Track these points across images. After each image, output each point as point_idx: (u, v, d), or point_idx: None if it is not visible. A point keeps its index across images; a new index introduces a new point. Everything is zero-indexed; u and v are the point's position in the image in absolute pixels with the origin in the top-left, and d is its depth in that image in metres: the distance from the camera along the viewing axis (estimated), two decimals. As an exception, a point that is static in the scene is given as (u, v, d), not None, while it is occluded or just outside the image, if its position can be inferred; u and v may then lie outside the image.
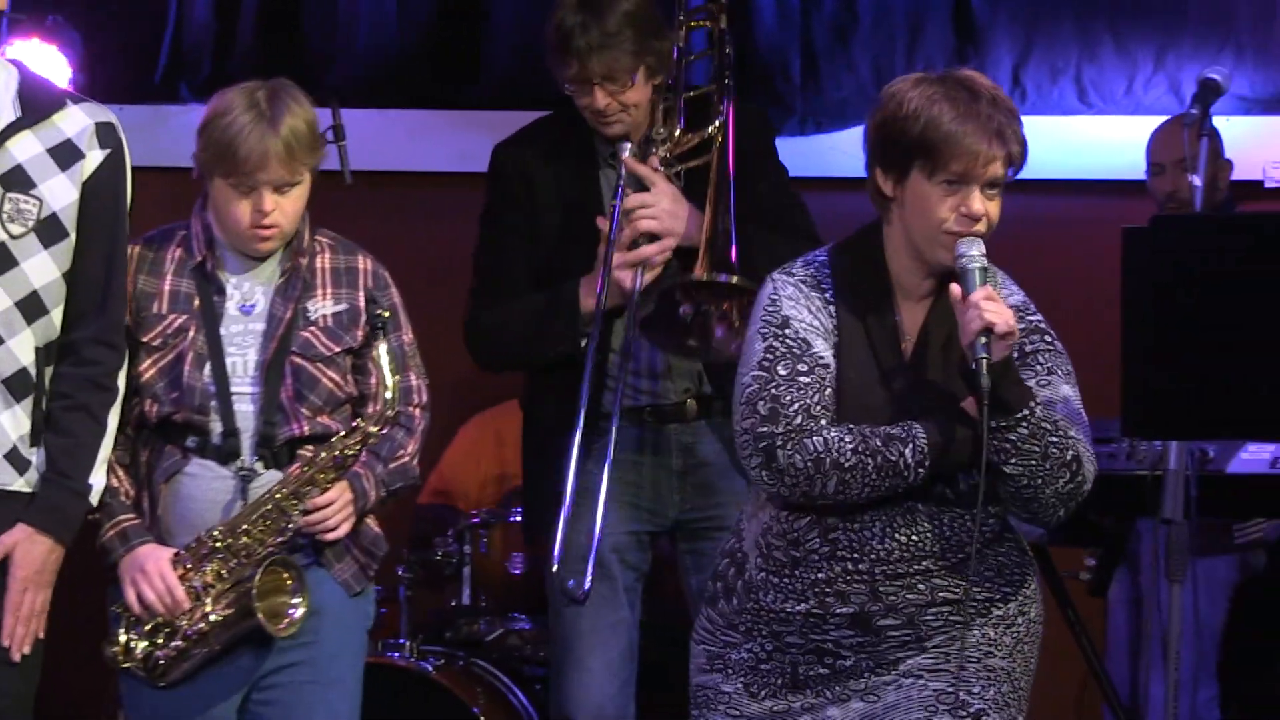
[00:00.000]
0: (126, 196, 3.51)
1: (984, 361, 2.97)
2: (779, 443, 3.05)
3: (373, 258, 3.80)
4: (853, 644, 3.14)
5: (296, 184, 3.61)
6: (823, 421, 3.06)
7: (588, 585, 3.81)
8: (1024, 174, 5.63)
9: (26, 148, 3.41)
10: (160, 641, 3.58)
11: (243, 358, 3.63)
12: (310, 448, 3.63)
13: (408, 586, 5.04)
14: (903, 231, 3.13)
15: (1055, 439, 3.04)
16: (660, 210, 3.89)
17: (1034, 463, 3.03)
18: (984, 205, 3.08)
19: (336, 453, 3.60)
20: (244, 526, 3.57)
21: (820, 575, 3.12)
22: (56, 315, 3.44)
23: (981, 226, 3.08)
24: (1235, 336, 3.53)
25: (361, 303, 3.72)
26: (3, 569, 3.40)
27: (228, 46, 5.79)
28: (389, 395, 3.61)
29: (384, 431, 3.65)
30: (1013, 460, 3.03)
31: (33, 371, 3.42)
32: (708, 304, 3.79)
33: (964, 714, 3.13)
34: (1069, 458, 3.06)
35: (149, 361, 3.60)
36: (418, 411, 3.77)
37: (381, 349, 3.62)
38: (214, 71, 5.72)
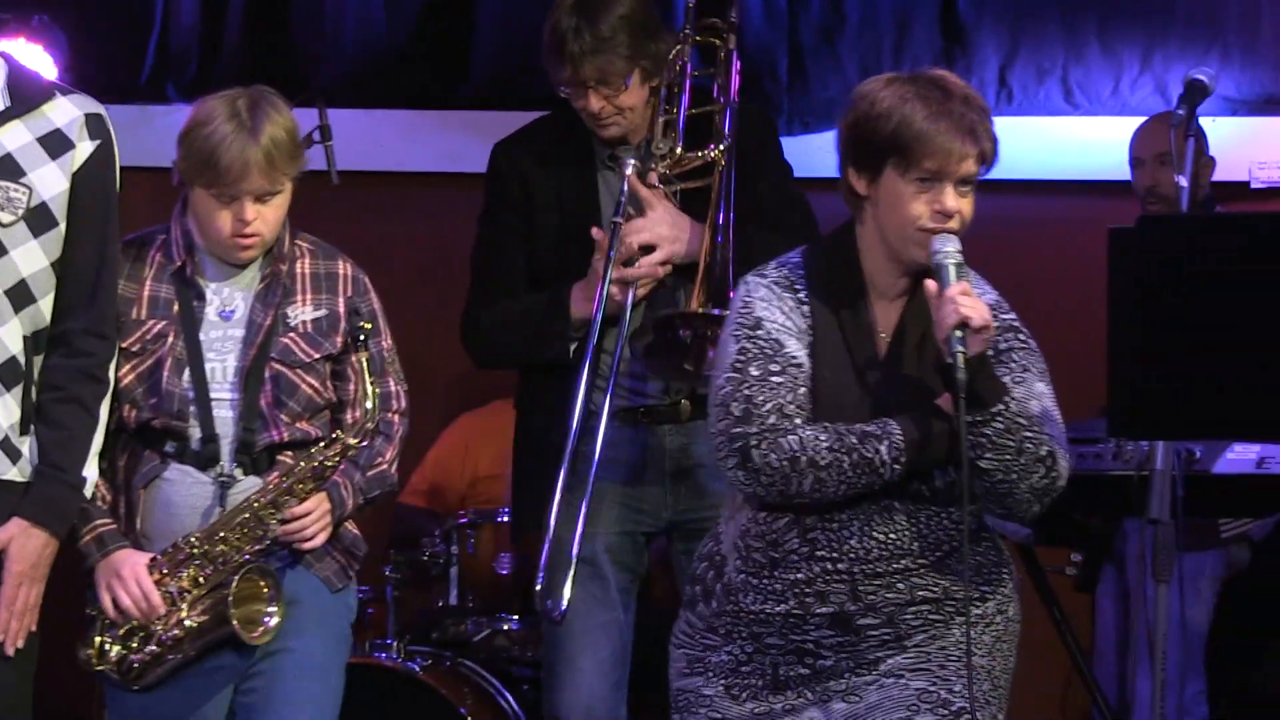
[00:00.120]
0: (116, 188, 3.51)
1: (960, 355, 2.99)
2: (754, 442, 3.06)
3: (353, 263, 3.79)
4: (833, 644, 3.14)
5: (277, 193, 3.61)
6: (797, 420, 3.07)
7: (564, 606, 3.81)
8: (1011, 174, 5.65)
9: (16, 136, 3.42)
10: (135, 646, 3.59)
11: (222, 363, 3.63)
12: (289, 454, 3.64)
13: (395, 587, 5.04)
14: (876, 230, 3.15)
15: (1030, 434, 3.06)
16: (659, 235, 3.87)
17: (1009, 458, 3.05)
18: (957, 202, 3.10)
19: (315, 463, 3.61)
20: (221, 533, 3.58)
21: (800, 575, 3.13)
22: (44, 305, 3.44)
23: (955, 223, 3.10)
24: (1222, 337, 3.53)
25: (341, 308, 3.72)
26: None
27: (214, 47, 5.78)
28: (369, 406, 3.61)
29: (364, 444, 3.65)
30: (988, 455, 3.05)
31: (21, 360, 3.42)
32: (703, 330, 3.79)
33: (946, 712, 3.14)
34: (1043, 453, 3.08)
35: (128, 367, 3.60)
36: (396, 418, 3.77)
37: (363, 361, 3.62)
38: (201, 72, 5.72)
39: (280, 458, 3.64)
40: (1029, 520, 3.16)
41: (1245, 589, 4.85)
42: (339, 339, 3.70)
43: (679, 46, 4.00)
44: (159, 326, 3.63)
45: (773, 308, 3.14)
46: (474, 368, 5.70)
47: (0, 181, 3.39)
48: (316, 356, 3.67)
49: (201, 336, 3.64)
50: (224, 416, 3.62)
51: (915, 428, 3.05)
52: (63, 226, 3.44)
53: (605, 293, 3.85)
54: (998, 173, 5.72)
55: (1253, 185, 5.47)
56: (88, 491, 3.49)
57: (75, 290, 3.46)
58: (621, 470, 3.98)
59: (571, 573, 3.81)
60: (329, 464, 3.62)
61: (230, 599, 3.55)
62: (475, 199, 5.85)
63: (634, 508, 4.01)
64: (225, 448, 3.61)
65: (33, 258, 3.42)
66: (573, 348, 3.93)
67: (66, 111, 3.46)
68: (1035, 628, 5.28)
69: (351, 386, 3.69)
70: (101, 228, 3.48)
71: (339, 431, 3.65)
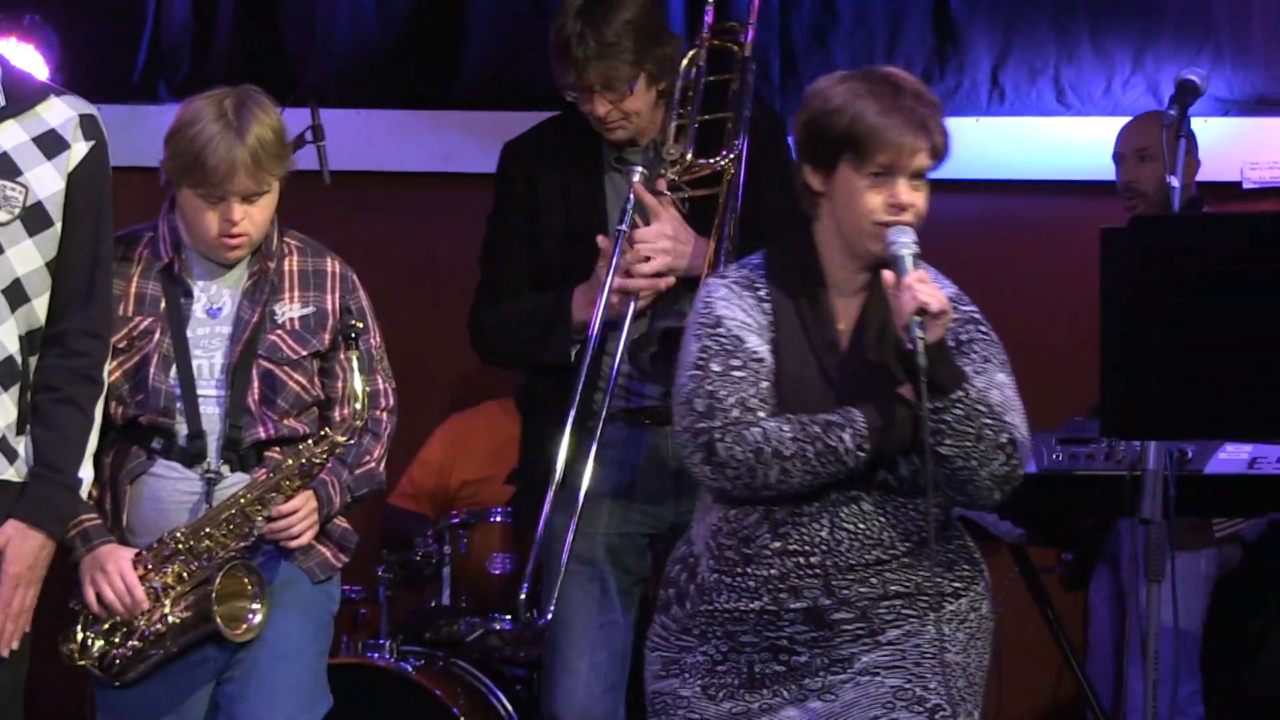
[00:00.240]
0: (110, 189, 3.52)
1: (920, 341, 3.03)
2: (718, 436, 3.10)
3: (341, 260, 3.79)
4: (807, 639, 3.16)
5: (265, 193, 3.61)
6: (760, 413, 3.11)
7: (549, 617, 3.82)
8: (1003, 174, 5.69)
9: (11, 136, 3.42)
10: (117, 641, 3.60)
11: (209, 360, 3.64)
12: (277, 450, 3.64)
13: (388, 587, 5.04)
14: (833, 226, 3.20)
15: (990, 421, 3.10)
16: (660, 247, 3.86)
17: (969, 444, 3.09)
18: (911, 195, 3.15)
19: (303, 460, 3.61)
20: (207, 529, 3.58)
21: (773, 572, 3.15)
22: (39, 305, 3.45)
23: (909, 216, 3.15)
24: (1214, 337, 3.54)
25: (329, 306, 3.72)
26: None
27: (206, 46, 5.78)
28: (358, 405, 3.61)
29: (351, 442, 3.65)
30: (948, 441, 3.08)
31: (18, 360, 3.43)
32: None
33: (921, 709, 3.16)
34: (1004, 440, 3.11)
35: (114, 364, 3.60)
36: (385, 416, 3.78)
37: (352, 360, 3.62)
38: (192, 71, 5.71)
39: (268, 455, 3.64)
40: (990, 508, 3.19)
41: (1237, 589, 4.85)
42: (327, 336, 3.70)
43: (696, 49, 3.99)
44: (146, 323, 3.63)
45: (732, 306, 3.19)
46: (465, 368, 5.73)
47: None
48: (304, 354, 3.68)
49: (189, 333, 3.64)
50: (211, 413, 3.62)
51: (878, 415, 3.09)
52: (58, 226, 3.44)
53: (606, 301, 3.85)
54: (990, 173, 5.78)
55: (1244, 186, 5.47)
56: (83, 492, 3.50)
57: (70, 290, 3.46)
58: (624, 472, 3.98)
59: (559, 580, 3.82)
60: (316, 461, 3.62)
61: (214, 595, 3.56)
62: (468, 199, 5.86)
63: (636, 509, 4.01)
64: (212, 444, 3.62)
65: (28, 257, 3.42)
66: (574, 350, 3.92)
67: (61, 112, 3.46)
68: (1028, 628, 5.31)
69: (340, 384, 3.69)
70: (96, 228, 3.48)
71: (327, 429, 3.65)
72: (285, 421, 3.65)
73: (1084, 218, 5.04)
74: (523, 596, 3.83)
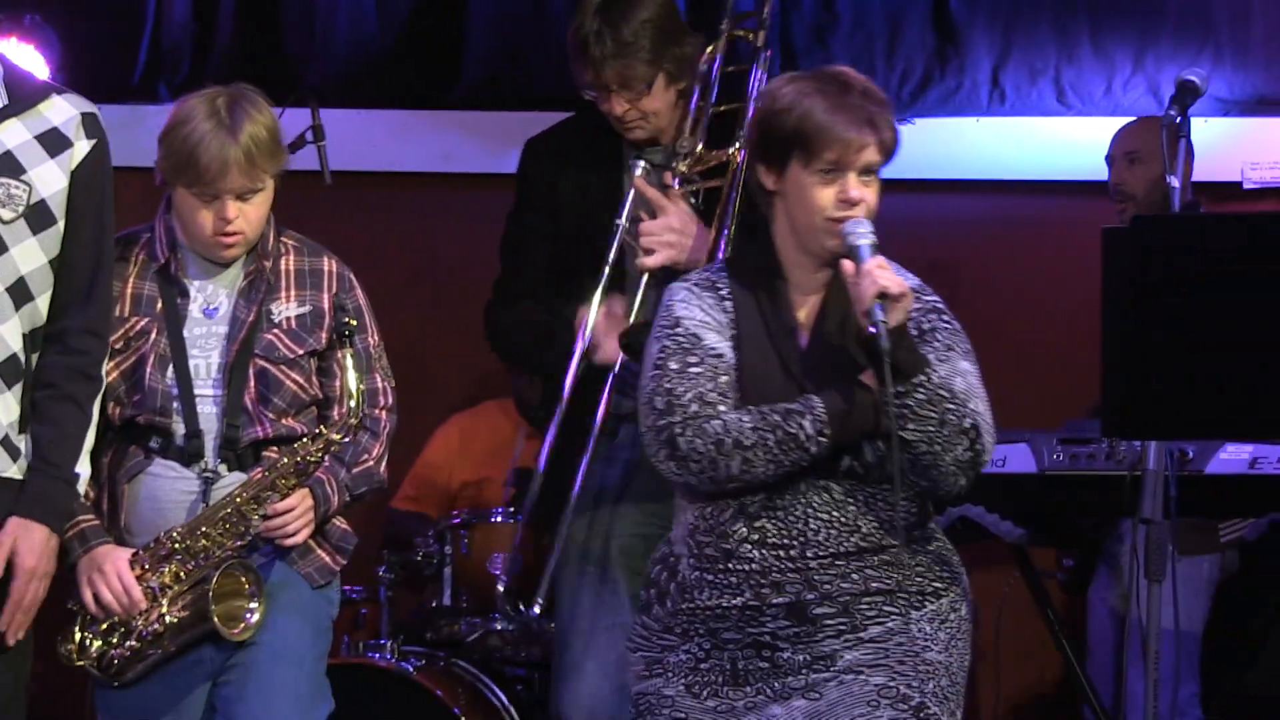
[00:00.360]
0: (112, 187, 3.52)
1: (882, 325, 3.06)
2: (678, 431, 3.14)
3: (338, 259, 3.79)
4: (790, 635, 3.18)
5: (259, 190, 3.61)
6: (720, 407, 3.15)
7: (535, 610, 3.84)
8: (1003, 175, 5.69)
9: (15, 134, 3.43)
10: (115, 641, 3.60)
11: (205, 360, 3.64)
12: (275, 450, 3.64)
13: (388, 587, 5.04)
14: (788, 224, 3.24)
15: (952, 406, 3.13)
16: (664, 241, 3.85)
17: (932, 429, 3.11)
18: (861, 191, 3.19)
19: (299, 458, 3.61)
20: (203, 529, 3.58)
21: (754, 567, 3.17)
22: (41, 303, 3.45)
23: (861, 211, 3.18)
24: (1215, 337, 3.54)
25: (325, 304, 3.72)
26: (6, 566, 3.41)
27: (206, 46, 5.78)
28: (353, 404, 3.60)
29: (347, 439, 3.65)
30: (911, 426, 3.11)
31: (21, 358, 3.44)
32: None
33: (905, 707, 3.18)
34: (967, 425, 3.14)
35: (111, 364, 3.60)
36: (383, 414, 3.77)
37: (347, 358, 3.61)
38: (193, 72, 5.71)
39: (265, 454, 3.64)
40: (955, 494, 3.20)
41: (1237, 590, 4.85)
42: (323, 335, 3.70)
43: (717, 40, 3.97)
44: (142, 323, 3.64)
45: (691, 306, 3.23)
46: (465, 368, 5.73)
47: (1, 179, 3.40)
48: (301, 352, 3.68)
49: (185, 333, 3.65)
50: (208, 412, 3.62)
51: (837, 401, 3.13)
52: (61, 224, 3.45)
53: (601, 296, 3.85)
54: (991, 173, 5.78)
55: (1245, 186, 5.47)
56: (81, 488, 3.51)
57: (72, 288, 3.47)
58: (637, 473, 3.98)
59: (546, 578, 3.85)
60: (312, 459, 3.62)
61: (211, 595, 3.56)
62: (468, 199, 5.88)
63: (649, 511, 4.01)
64: (209, 443, 3.62)
65: (31, 255, 3.43)
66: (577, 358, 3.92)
67: (63, 110, 3.47)
68: (1028, 628, 5.31)
69: (337, 384, 3.69)
70: (98, 227, 3.49)
71: (322, 427, 3.65)
72: (283, 421, 3.65)
73: (1084, 218, 5.05)
74: (500, 588, 3.85)
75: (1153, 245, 3.60)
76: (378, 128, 5.77)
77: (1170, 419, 3.66)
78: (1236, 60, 5.43)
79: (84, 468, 3.49)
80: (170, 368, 3.62)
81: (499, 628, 5.01)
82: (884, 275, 3.09)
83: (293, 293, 3.71)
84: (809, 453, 3.12)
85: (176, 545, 3.59)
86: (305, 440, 3.63)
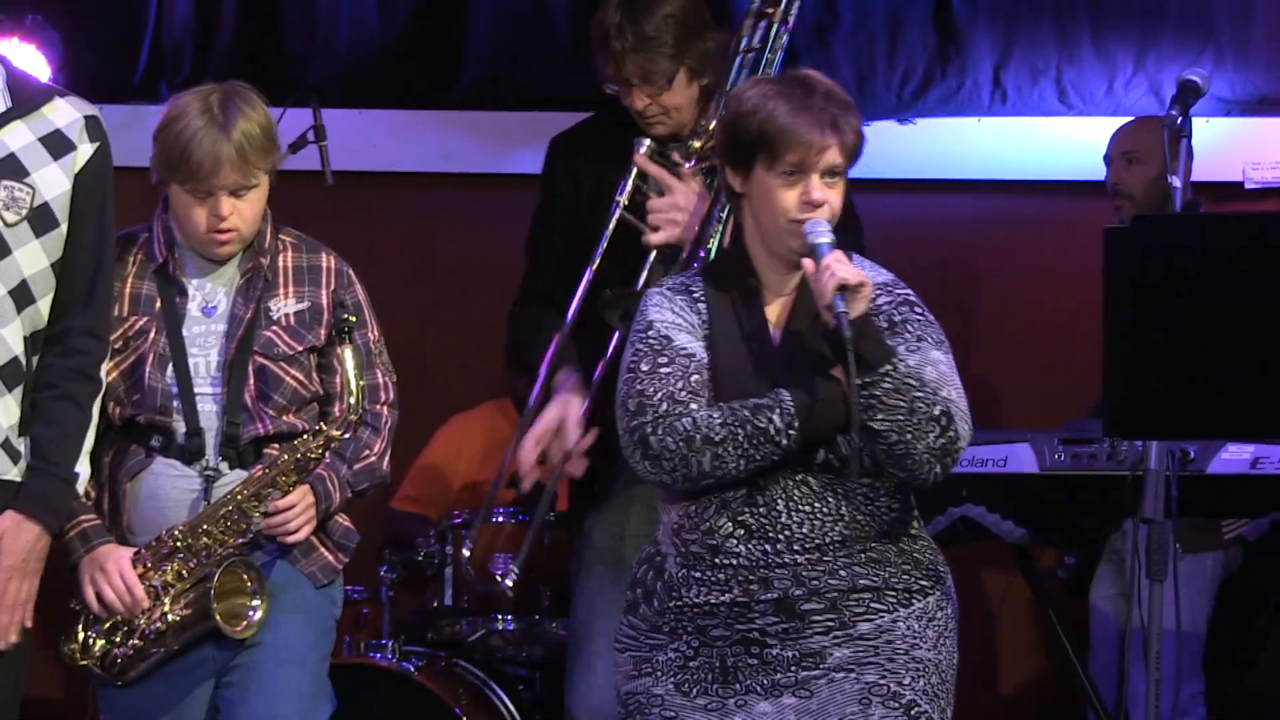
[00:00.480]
0: (113, 190, 3.52)
1: (844, 316, 3.09)
2: (649, 430, 3.17)
3: (336, 255, 3.79)
4: (778, 631, 3.19)
5: (253, 187, 3.61)
6: (691, 405, 3.18)
7: (509, 582, 3.87)
8: (1005, 175, 5.69)
9: (19, 137, 3.43)
10: (118, 640, 3.61)
11: (205, 358, 3.64)
12: (276, 447, 3.64)
13: (390, 587, 5.04)
14: (755, 226, 3.28)
15: (921, 394, 3.14)
16: (669, 219, 3.82)
17: (901, 417, 3.13)
18: (824, 193, 3.21)
19: (299, 455, 3.61)
20: (205, 527, 3.59)
21: (741, 562, 3.19)
22: (43, 305, 3.46)
23: (825, 213, 3.21)
24: (1216, 337, 3.54)
25: (324, 300, 3.72)
26: None
27: (208, 46, 5.78)
28: (352, 400, 3.60)
29: (347, 436, 3.65)
30: (880, 416, 3.13)
31: (23, 361, 3.44)
32: None
33: (896, 705, 3.19)
34: (937, 413, 3.15)
35: (111, 364, 3.61)
36: (385, 410, 3.77)
37: (346, 353, 3.61)
38: (194, 72, 5.71)
39: (267, 451, 3.64)
40: (932, 482, 3.20)
41: (1238, 589, 4.85)
42: (323, 331, 3.71)
43: (745, 20, 3.94)
44: (141, 323, 3.64)
45: (663, 309, 3.27)
46: (465, 368, 5.73)
47: (5, 181, 3.41)
48: (300, 349, 3.68)
49: (184, 332, 3.65)
50: (208, 410, 3.63)
51: (805, 394, 3.15)
52: (64, 228, 3.45)
53: (594, 274, 3.84)
54: (992, 173, 5.77)
55: (1246, 186, 5.47)
56: (80, 487, 3.51)
57: (73, 291, 3.47)
58: None
59: (524, 554, 3.91)
60: (312, 456, 3.62)
61: (213, 593, 3.56)
62: (468, 199, 5.89)
63: None
64: (210, 441, 3.63)
65: (34, 258, 3.43)
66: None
67: (66, 113, 3.47)
68: (1031, 629, 5.31)
69: (338, 380, 3.68)
70: (99, 229, 3.50)
71: (322, 424, 3.65)
72: (283, 418, 3.65)
73: (1085, 218, 5.05)
74: (465, 552, 3.86)
75: (1154, 245, 3.60)
76: (378, 128, 5.77)
77: (1171, 419, 3.66)
78: (1238, 60, 5.43)
79: (83, 467, 3.49)
80: (170, 366, 3.62)
81: (500, 628, 5.01)
82: (841, 268, 3.12)
83: (291, 289, 3.71)
84: (779, 446, 3.14)
85: (178, 543, 3.59)
86: (306, 437, 3.63)
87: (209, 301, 3.68)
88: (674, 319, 3.25)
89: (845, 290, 3.10)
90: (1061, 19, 5.52)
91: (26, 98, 3.45)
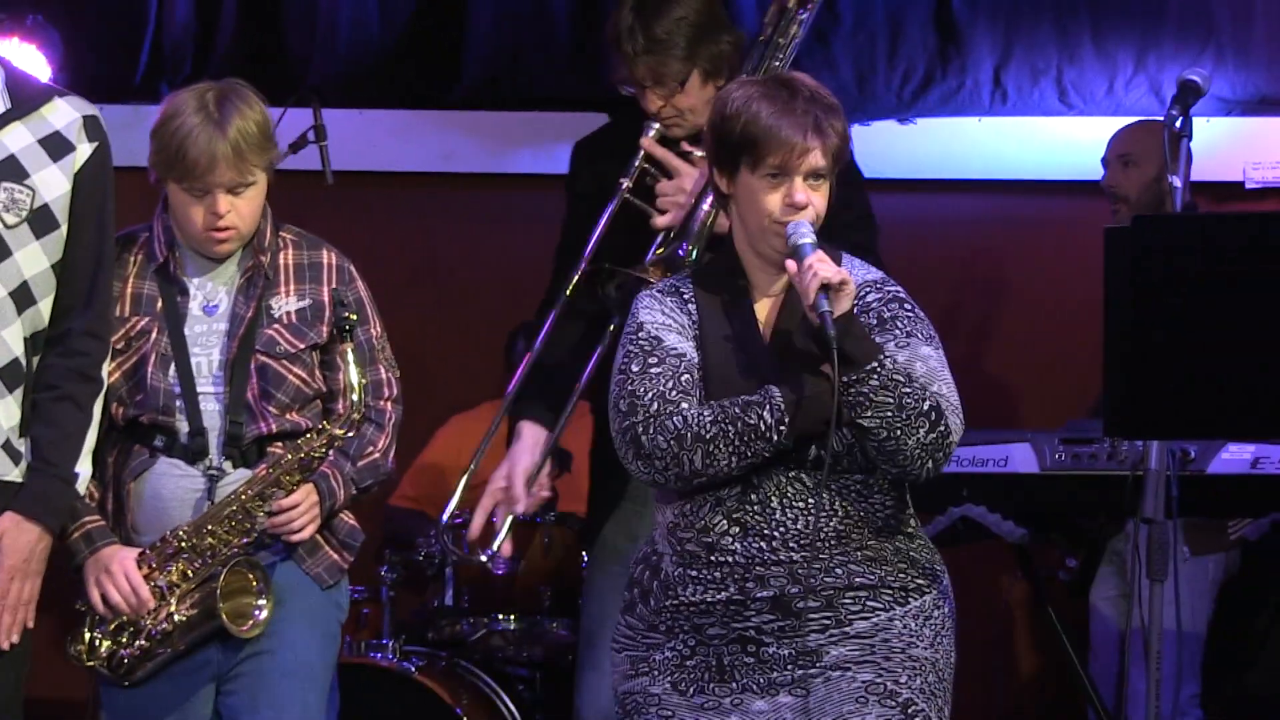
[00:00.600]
0: (113, 190, 3.52)
1: (828, 315, 3.09)
2: (640, 430, 3.18)
3: (338, 251, 3.78)
4: (775, 629, 3.19)
5: (250, 185, 3.60)
6: (682, 404, 3.19)
7: (481, 557, 3.96)
8: (1005, 175, 5.69)
9: (18, 138, 3.43)
10: (124, 640, 3.60)
11: (207, 357, 3.64)
12: (279, 446, 3.64)
13: (390, 587, 5.04)
14: (741, 227, 3.29)
15: (909, 390, 3.14)
16: (676, 202, 3.83)
17: (889, 414, 3.13)
18: (807, 195, 3.21)
19: (302, 454, 3.61)
20: (209, 526, 3.58)
21: (737, 559, 3.19)
22: (44, 306, 3.45)
23: (808, 215, 3.21)
24: (1217, 336, 3.54)
25: (325, 298, 3.71)
26: None
27: (208, 47, 5.78)
28: (355, 398, 3.60)
29: (350, 434, 3.65)
30: (868, 413, 3.13)
31: (23, 362, 3.44)
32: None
33: (893, 704, 3.19)
34: (926, 408, 3.15)
35: (113, 364, 3.60)
36: (388, 405, 3.77)
37: (348, 352, 3.61)
38: (194, 72, 5.71)
39: (270, 449, 3.64)
40: (924, 478, 3.20)
41: (1238, 591, 4.85)
42: (324, 328, 3.70)
43: (770, 8, 3.93)
44: (142, 323, 3.64)
45: (654, 311, 3.28)
46: (466, 368, 5.73)
47: (4, 183, 3.40)
48: (302, 347, 3.68)
49: (186, 331, 3.65)
50: (211, 410, 3.62)
51: (795, 391, 3.15)
52: (64, 228, 3.45)
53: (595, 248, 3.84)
54: (992, 173, 5.77)
55: (1247, 185, 5.48)
56: (80, 487, 3.51)
57: (73, 291, 3.47)
58: None
59: (504, 532, 3.96)
60: (316, 455, 3.62)
61: (219, 592, 3.56)
62: (468, 199, 5.89)
63: None
64: (213, 441, 3.62)
65: (35, 259, 3.43)
66: None
67: (65, 114, 3.47)
68: (1029, 628, 5.31)
69: (341, 377, 3.68)
70: (99, 229, 3.49)
71: (325, 422, 3.65)
72: (286, 416, 3.65)
73: (1086, 218, 5.05)
74: (444, 517, 3.90)
75: (1154, 245, 3.60)
76: (379, 128, 5.78)
77: (1172, 419, 3.66)
78: (1238, 60, 5.43)
79: (84, 467, 3.49)
80: (172, 366, 3.62)
81: (501, 628, 5.01)
82: (823, 267, 3.13)
83: (292, 287, 3.71)
84: (770, 442, 3.15)
85: (183, 544, 3.59)
86: (309, 436, 3.63)
87: (210, 300, 3.68)
88: (664, 320, 3.26)
89: (828, 289, 3.11)
90: (1062, 19, 5.52)
91: (26, 99, 3.45)
